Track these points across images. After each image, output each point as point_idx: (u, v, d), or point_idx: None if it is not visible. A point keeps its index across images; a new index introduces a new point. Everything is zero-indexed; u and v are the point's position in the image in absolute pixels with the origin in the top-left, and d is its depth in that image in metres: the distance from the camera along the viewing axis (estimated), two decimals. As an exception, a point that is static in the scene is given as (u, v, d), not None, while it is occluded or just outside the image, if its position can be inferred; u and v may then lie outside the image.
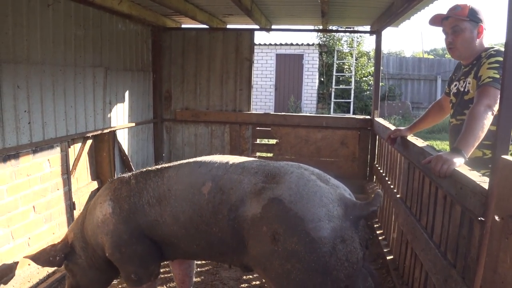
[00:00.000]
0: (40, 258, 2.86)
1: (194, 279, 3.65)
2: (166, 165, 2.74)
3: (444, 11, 2.79)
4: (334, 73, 16.80)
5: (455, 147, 2.30)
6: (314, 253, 2.07)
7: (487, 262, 1.77)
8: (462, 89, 2.81)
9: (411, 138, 3.37)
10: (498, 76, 2.45)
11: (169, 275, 3.84)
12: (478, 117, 2.33)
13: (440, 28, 2.84)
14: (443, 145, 9.41)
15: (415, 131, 3.47)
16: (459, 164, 2.23)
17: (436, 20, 2.82)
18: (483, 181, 1.93)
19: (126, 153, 5.24)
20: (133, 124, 5.43)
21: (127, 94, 5.25)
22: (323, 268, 2.09)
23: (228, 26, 6.55)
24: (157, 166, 2.77)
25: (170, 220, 2.51)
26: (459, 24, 2.69)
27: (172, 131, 6.20)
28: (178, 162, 2.72)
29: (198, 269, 3.80)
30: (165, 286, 3.68)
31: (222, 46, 5.97)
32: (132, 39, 5.35)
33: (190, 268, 3.19)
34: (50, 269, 3.73)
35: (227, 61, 5.97)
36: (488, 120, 2.34)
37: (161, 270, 3.86)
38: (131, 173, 2.83)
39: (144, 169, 2.79)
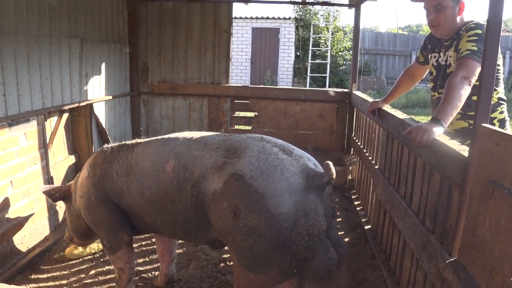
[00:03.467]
0: (50, 189, 3.21)
1: (177, 251, 3.68)
2: (140, 140, 2.81)
3: None
4: (310, 47, 16.78)
5: (434, 117, 2.35)
6: (275, 229, 2.07)
7: (466, 226, 1.84)
8: (443, 63, 2.86)
9: (390, 110, 3.42)
10: (476, 48, 2.49)
11: (150, 247, 3.86)
12: (455, 88, 2.38)
13: (417, 4, 2.84)
14: (418, 120, 9.56)
15: (390, 101, 3.55)
16: (439, 133, 2.28)
17: None
18: (463, 149, 1.99)
19: (104, 126, 5.17)
20: (110, 97, 5.34)
21: (103, 66, 5.15)
22: (283, 242, 2.10)
23: (206, -2, 6.44)
24: (133, 141, 2.84)
25: (136, 194, 2.59)
26: (441, 2, 2.69)
27: (149, 104, 6.13)
28: (148, 139, 2.78)
29: (180, 240, 3.82)
30: (147, 258, 3.70)
31: (200, 18, 5.88)
32: (108, 9, 5.22)
33: (169, 243, 3.21)
34: (30, 245, 3.70)
35: (205, 33, 5.89)
36: (465, 91, 2.39)
37: (144, 243, 3.93)
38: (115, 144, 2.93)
39: (124, 142, 2.88)
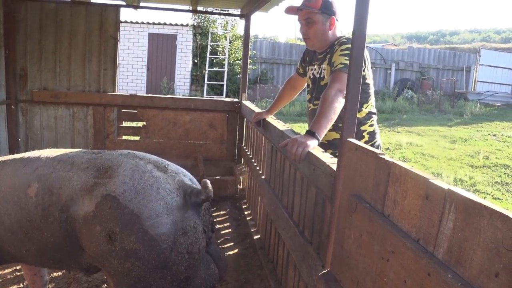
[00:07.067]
0: None
1: (55, 274, 3.42)
2: None
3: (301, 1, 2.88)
4: (208, 55, 16.80)
5: (309, 130, 2.40)
6: (154, 250, 2.00)
7: (336, 239, 1.87)
8: (318, 75, 2.95)
9: (273, 121, 3.46)
10: (348, 62, 2.59)
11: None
12: (329, 100, 2.44)
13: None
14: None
15: (274, 112, 3.61)
16: (313, 146, 2.32)
17: (292, 10, 2.91)
18: (333, 163, 2.03)
19: (-28, 138, 4.68)
20: (-19, 106, 4.86)
21: (-29, 71, 4.67)
22: (163, 263, 2.04)
23: (92, 1, 6.10)
24: None
25: None
26: (312, 16, 2.80)
27: (28, 113, 5.65)
28: (4, 159, 2.50)
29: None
30: (21, 284, 3.38)
31: (85, 22, 5.54)
32: (-23, 9, 4.75)
33: (38, 267, 2.93)
34: None
35: (90, 38, 5.56)
36: (339, 103, 2.46)
37: (18, 267, 3.57)
38: None
39: None
